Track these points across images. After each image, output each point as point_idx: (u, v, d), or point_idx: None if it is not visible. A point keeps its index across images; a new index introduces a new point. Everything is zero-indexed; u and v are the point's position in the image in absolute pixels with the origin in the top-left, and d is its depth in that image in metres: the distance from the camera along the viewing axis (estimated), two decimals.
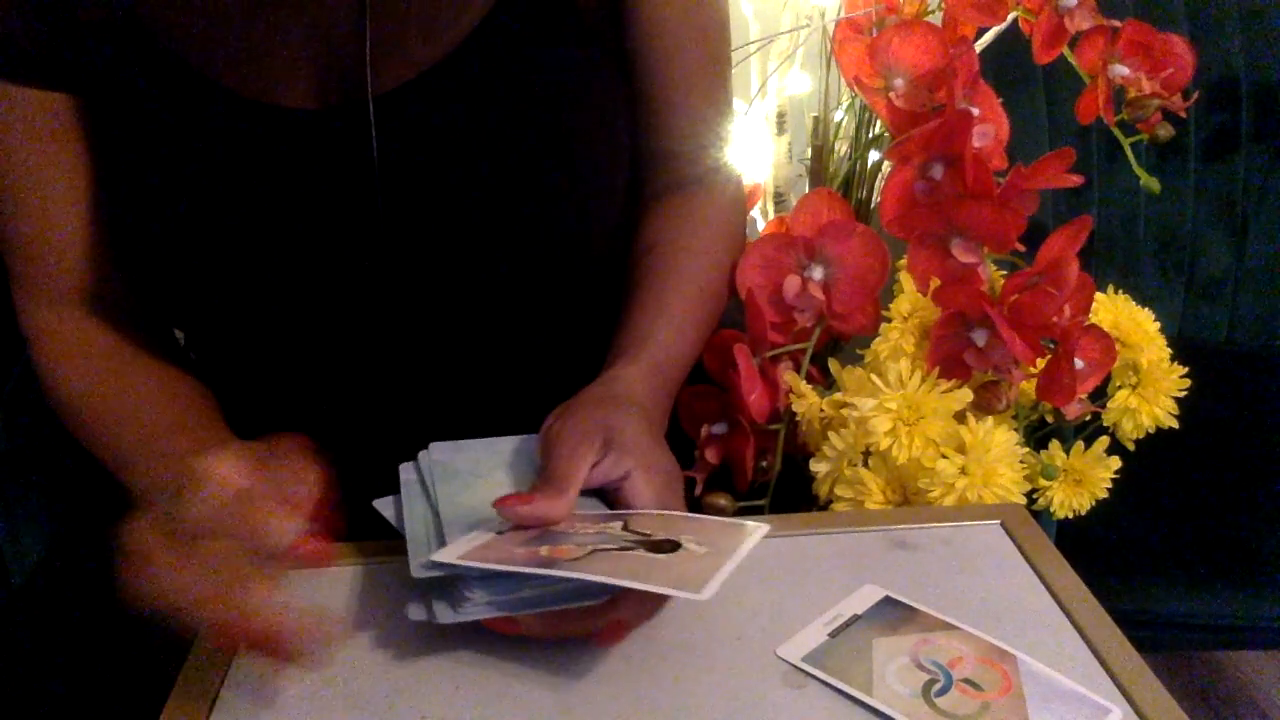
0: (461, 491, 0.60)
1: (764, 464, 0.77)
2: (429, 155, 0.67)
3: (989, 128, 0.80)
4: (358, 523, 0.61)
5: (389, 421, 0.74)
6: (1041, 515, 0.77)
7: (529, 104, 0.68)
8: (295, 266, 0.68)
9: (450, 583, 0.54)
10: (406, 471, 0.63)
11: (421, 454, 0.64)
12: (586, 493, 0.59)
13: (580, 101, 0.71)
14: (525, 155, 0.68)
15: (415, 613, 0.54)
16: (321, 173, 0.67)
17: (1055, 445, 0.79)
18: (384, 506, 0.61)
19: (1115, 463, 0.78)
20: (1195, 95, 1.20)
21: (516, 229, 0.69)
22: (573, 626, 0.54)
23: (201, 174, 0.67)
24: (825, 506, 0.73)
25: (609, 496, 0.60)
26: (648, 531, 0.55)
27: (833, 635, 0.56)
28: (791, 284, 0.77)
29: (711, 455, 0.79)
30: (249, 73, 0.66)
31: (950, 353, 0.74)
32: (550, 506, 0.56)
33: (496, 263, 0.70)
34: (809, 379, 0.77)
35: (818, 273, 0.78)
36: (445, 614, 0.53)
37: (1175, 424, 0.82)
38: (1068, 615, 0.58)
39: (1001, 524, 0.66)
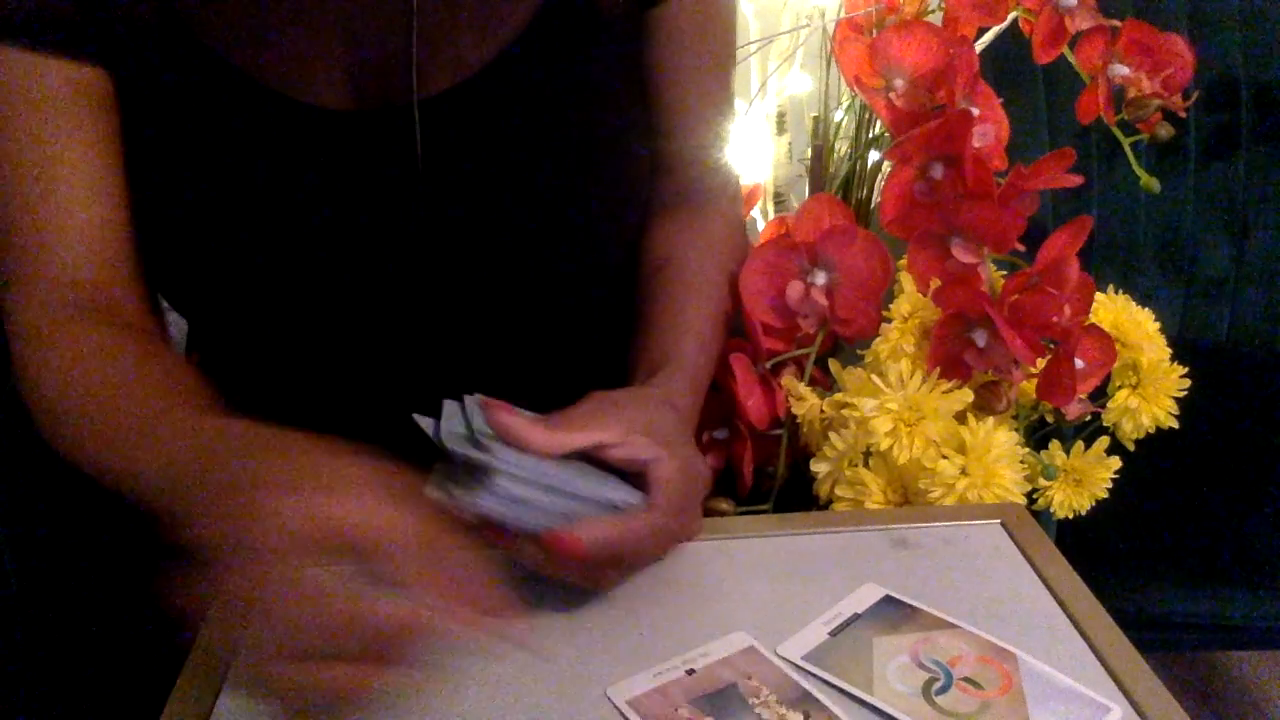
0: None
1: (769, 469, 0.77)
2: (469, 160, 0.67)
3: (989, 128, 0.80)
4: None
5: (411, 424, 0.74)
6: (1041, 515, 0.77)
7: (569, 111, 0.69)
8: (326, 266, 0.68)
9: (470, 472, 0.54)
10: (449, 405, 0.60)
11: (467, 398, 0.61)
12: (613, 473, 0.58)
13: (617, 107, 0.72)
14: (566, 161, 0.68)
15: (431, 491, 0.54)
16: (356, 175, 0.67)
17: (1055, 445, 0.79)
18: (423, 421, 0.58)
19: (1115, 463, 0.78)
20: (1195, 95, 1.20)
21: (556, 233, 0.69)
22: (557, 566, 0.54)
23: (233, 168, 0.66)
24: (826, 506, 0.73)
25: (635, 481, 0.59)
26: None
27: (833, 634, 0.56)
28: (795, 290, 0.77)
29: (712, 460, 0.79)
30: (286, 70, 0.66)
31: (950, 353, 0.74)
32: (530, 431, 0.54)
33: (530, 266, 0.70)
34: (813, 382, 0.77)
35: (820, 278, 0.78)
36: (463, 497, 0.53)
37: (1175, 424, 0.82)
38: (1068, 615, 0.58)
39: (1001, 524, 0.66)
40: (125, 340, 0.68)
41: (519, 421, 0.54)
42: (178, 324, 0.84)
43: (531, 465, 0.54)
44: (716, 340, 0.76)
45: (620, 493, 0.57)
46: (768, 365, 0.78)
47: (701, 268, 0.77)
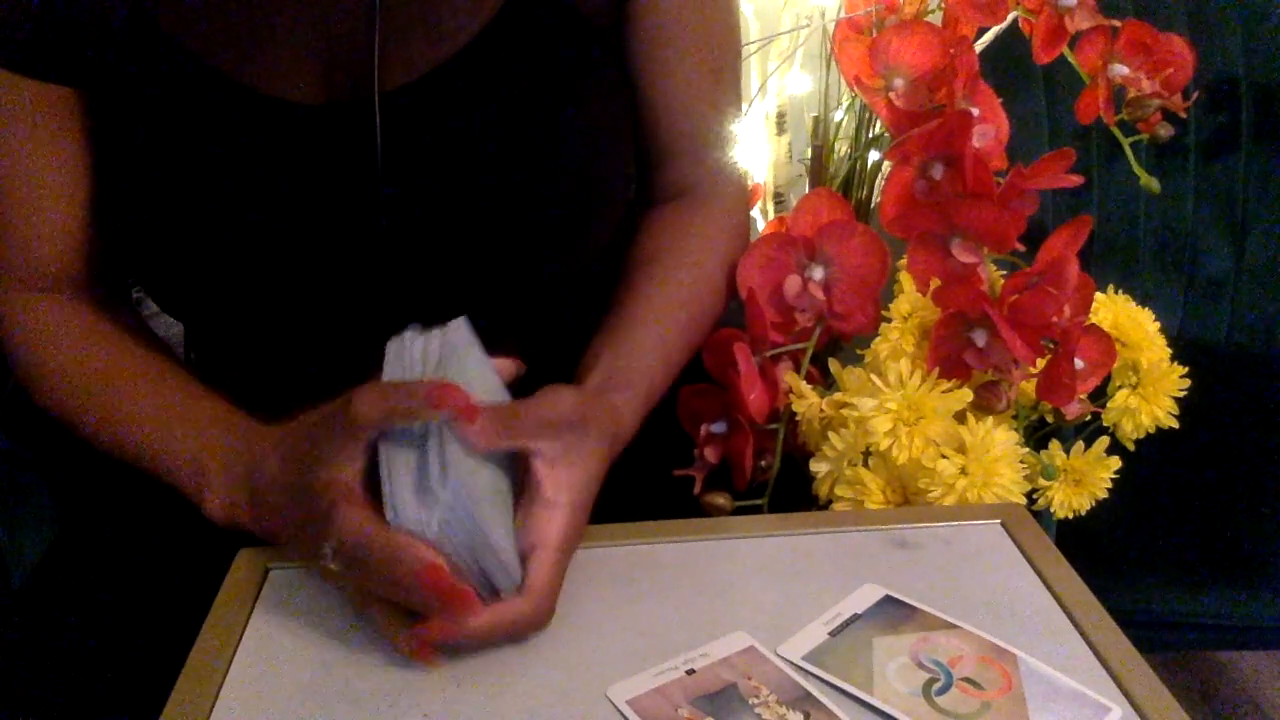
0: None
1: (763, 463, 0.77)
2: (432, 154, 0.67)
3: (989, 128, 0.80)
4: None
5: None
6: (1041, 515, 0.77)
7: (534, 107, 0.69)
8: (296, 260, 0.68)
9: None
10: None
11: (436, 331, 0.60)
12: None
13: (585, 106, 0.71)
14: (529, 158, 0.68)
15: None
16: (325, 168, 0.67)
17: (1055, 445, 0.79)
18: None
19: (1115, 463, 0.78)
20: (1195, 95, 1.20)
21: (518, 230, 0.69)
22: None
23: (204, 164, 0.67)
24: (825, 506, 0.73)
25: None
26: None
27: (833, 634, 0.56)
28: (792, 284, 0.77)
29: (711, 454, 0.79)
30: (256, 65, 0.67)
31: (950, 353, 0.74)
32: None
33: (497, 262, 0.70)
34: (809, 379, 0.77)
35: (818, 273, 0.78)
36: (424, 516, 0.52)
37: (1175, 424, 0.82)
38: (1068, 615, 0.58)
39: (1001, 524, 0.66)
40: (101, 315, 0.74)
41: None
42: (176, 324, 0.84)
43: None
44: (680, 350, 0.74)
45: (504, 565, 0.54)
46: (765, 356, 0.78)
47: (680, 268, 0.76)
